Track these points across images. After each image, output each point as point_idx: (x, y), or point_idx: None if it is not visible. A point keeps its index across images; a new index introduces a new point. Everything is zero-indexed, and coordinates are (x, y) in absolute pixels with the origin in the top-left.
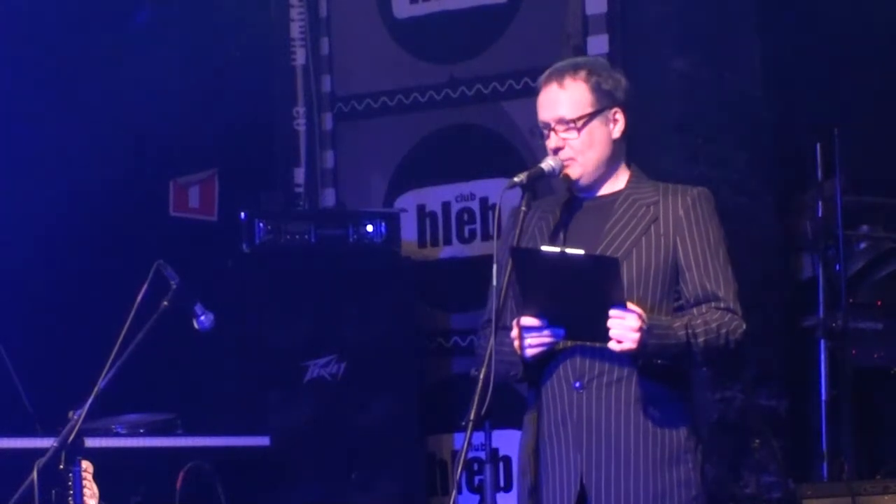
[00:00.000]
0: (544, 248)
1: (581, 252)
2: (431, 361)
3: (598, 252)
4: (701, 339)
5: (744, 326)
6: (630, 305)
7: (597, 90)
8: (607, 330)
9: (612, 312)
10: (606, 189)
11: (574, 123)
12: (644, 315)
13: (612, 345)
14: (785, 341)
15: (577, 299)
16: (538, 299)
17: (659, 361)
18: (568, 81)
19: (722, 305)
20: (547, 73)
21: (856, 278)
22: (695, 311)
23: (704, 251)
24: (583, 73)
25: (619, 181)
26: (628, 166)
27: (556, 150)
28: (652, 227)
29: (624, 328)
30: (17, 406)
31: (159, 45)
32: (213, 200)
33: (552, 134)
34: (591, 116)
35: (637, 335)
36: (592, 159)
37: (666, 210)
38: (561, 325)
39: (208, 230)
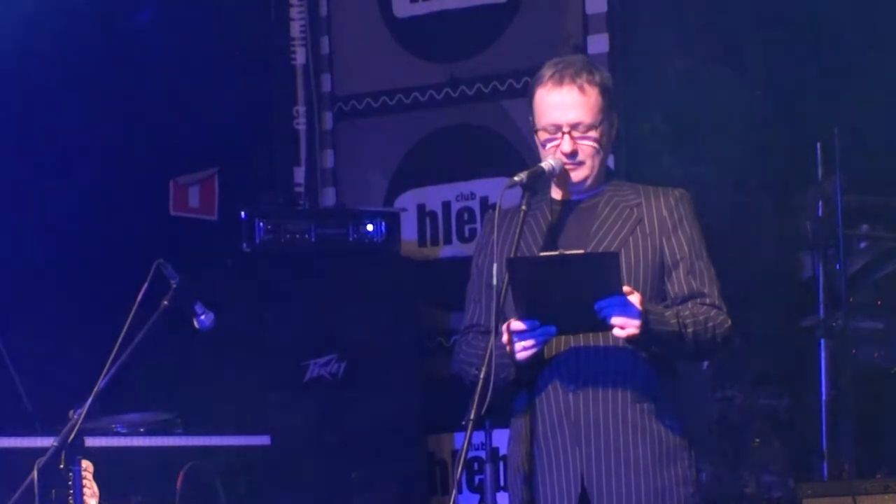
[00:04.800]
0: (542, 253)
1: (580, 251)
2: (431, 361)
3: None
4: (690, 330)
5: (729, 322)
6: (627, 290)
7: (606, 94)
8: (604, 319)
9: (612, 300)
10: (591, 191)
11: (594, 129)
12: (643, 300)
13: (616, 331)
14: (785, 341)
15: (574, 298)
16: (532, 304)
17: (653, 349)
18: (586, 86)
19: (708, 301)
20: (557, 72)
21: (856, 278)
22: (680, 307)
23: (690, 250)
24: (597, 77)
25: (601, 183)
26: (607, 169)
27: (572, 154)
28: (637, 228)
29: (626, 314)
30: (17, 406)
31: (159, 45)
32: (213, 200)
33: (566, 137)
34: (605, 121)
35: (639, 320)
36: (599, 162)
37: (650, 211)
38: (553, 324)
39: (208, 230)
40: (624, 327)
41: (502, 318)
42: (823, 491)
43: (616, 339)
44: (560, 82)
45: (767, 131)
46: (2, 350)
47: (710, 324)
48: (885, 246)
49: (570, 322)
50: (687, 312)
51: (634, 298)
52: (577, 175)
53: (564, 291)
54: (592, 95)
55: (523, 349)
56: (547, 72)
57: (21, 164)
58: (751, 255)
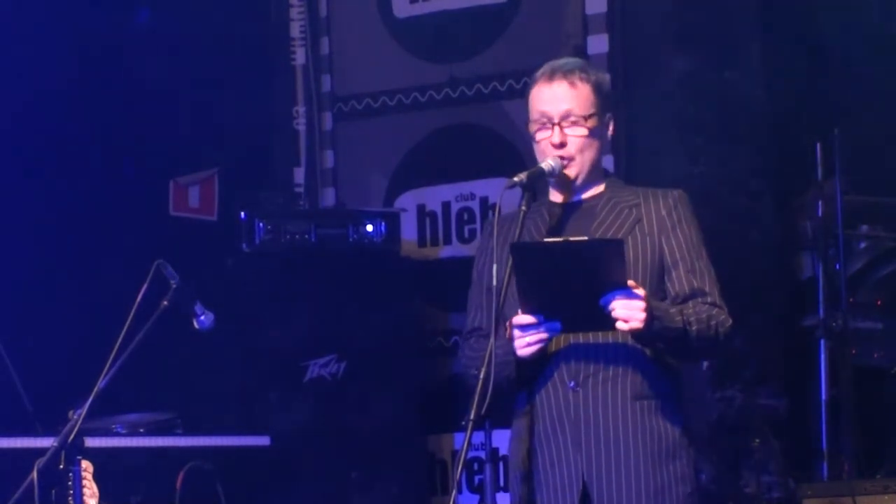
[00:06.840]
0: (547, 239)
1: (584, 238)
2: (431, 361)
3: None
4: (694, 328)
5: (730, 321)
6: (632, 284)
7: (599, 93)
8: (609, 316)
9: (617, 294)
10: (589, 193)
11: (584, 120)
12: (647, 295)
13: (620, 325)
14: (785, 341)
15: (578, 288)
16: (536, 295)
17: (658, 345)
18: (578, 81)
19: (709, 300)
20: (549, 70)
21: (856, 278)
22: (683, 305)
23: (690, 250)
24: (591, 76)
25: (599, 186)
26: (605, 172)
27: (561, 146)
28: (637, 228)
29: (630, 308)
30: (17, 406)
31: (159, 45)
32: (213, 200)
33: (556, 128)
34: (596, 116)
35: (643, 315)
36: (589, 159)
37: (648, 211)
38: (557, 320)
39: (208, 230)
40: (628, 321)
41: (503, 319)
42: (823, 491)
43: (616, 335)
44: (551, 78)
45: (767, 131)
46: (2, 350)
47: (713, 322)
48: (885, 246)
49: (574, 317)
50: (690, 310)
51: (639, 293)
52: (570, 172)
53: (568, 280)
54: (584, 90)
55: (526, 345)
56: (540, 71)
57: (21, 164)
58: (751, 255)
